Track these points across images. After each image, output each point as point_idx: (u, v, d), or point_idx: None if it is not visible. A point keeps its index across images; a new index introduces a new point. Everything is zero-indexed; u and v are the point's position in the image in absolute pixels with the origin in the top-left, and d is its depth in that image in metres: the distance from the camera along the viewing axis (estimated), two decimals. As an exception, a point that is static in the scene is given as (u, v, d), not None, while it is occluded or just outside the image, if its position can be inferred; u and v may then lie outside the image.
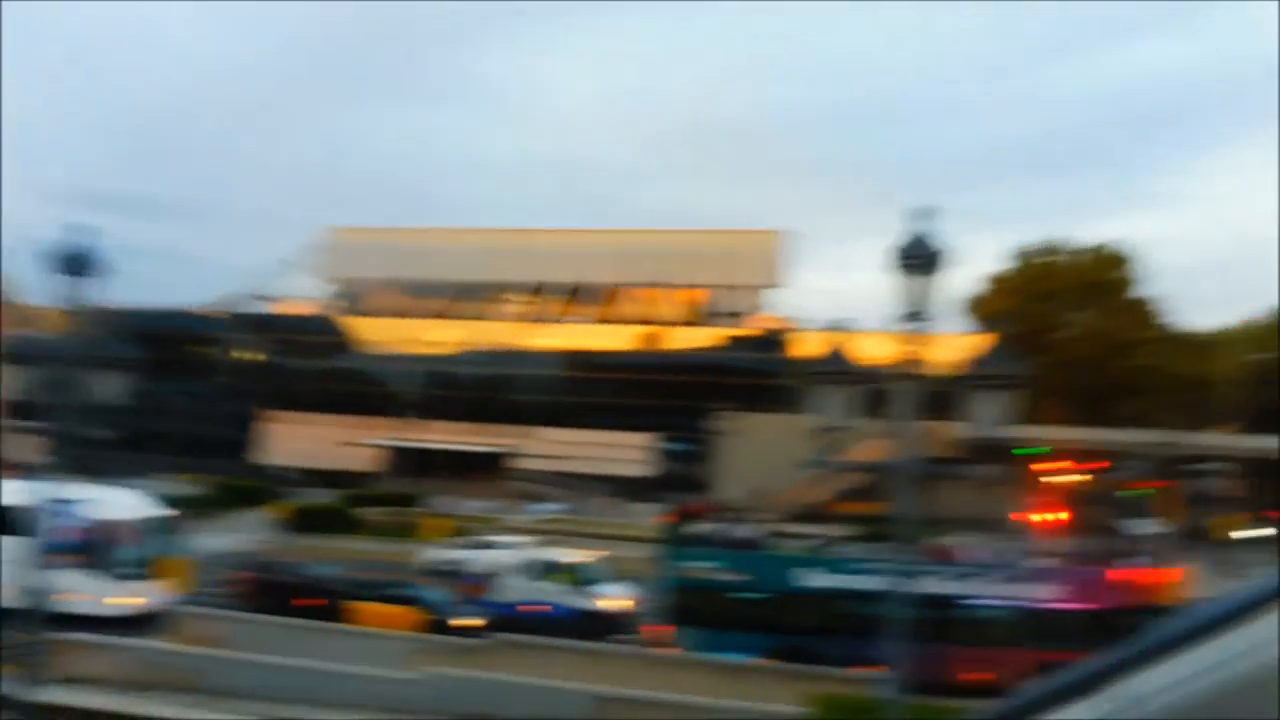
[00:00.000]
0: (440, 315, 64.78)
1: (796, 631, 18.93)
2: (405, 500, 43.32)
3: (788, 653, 17.87)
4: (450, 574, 27.89)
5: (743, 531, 25.24)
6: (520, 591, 24.38)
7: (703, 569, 20.33)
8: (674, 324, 62.20)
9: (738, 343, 60.41)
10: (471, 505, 44.66)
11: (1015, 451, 48.04)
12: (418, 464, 54.79)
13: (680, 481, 50.88)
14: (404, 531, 36.61)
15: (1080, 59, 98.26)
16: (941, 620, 18.02)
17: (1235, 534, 41.29)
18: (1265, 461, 46.85)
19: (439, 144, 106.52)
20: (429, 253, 64.69)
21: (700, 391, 56.08)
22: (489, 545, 31.46)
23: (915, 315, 11.34)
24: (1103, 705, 1.47)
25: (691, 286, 63.10)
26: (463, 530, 35.82)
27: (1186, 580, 21.70)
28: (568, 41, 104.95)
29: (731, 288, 62.28)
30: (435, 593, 22.84)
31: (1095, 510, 43.69)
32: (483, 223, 69.94)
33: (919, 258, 11.33)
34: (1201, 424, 47.17)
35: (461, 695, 14.22)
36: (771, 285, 62.55)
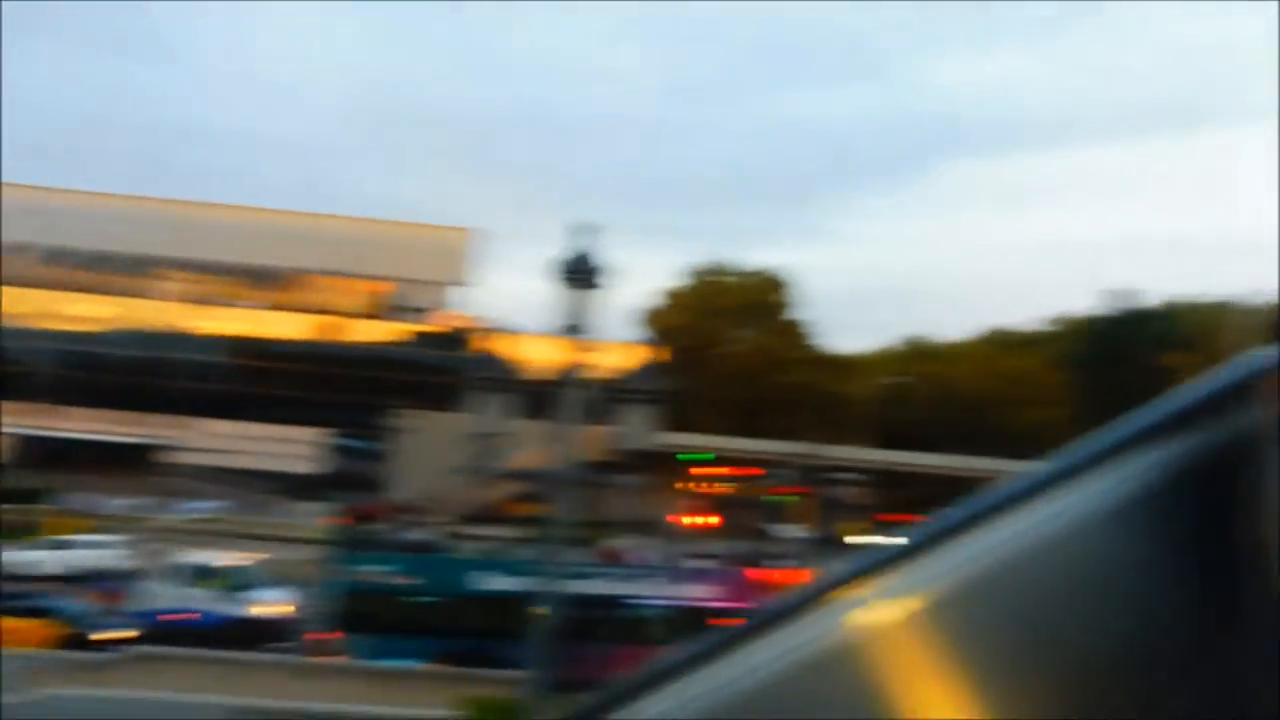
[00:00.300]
0: (87, 288, 58.38)
1: (471, 634, 18.95)
2: (29, 496, 38.52)
3: (461, 656, 17.84)
4: (81, 578, 25.25)
5: (418, 534, 24.86)
6: (166, 599, 22.49)
7: (375, 572, 19.84)
8: (354, 315, 60.10)
9: (421, 339, 59.40)
10: (115, 503, 40.60)
11: (680, 457, 50.86)
12: (50, 455, 48.95)
13: (353, 481, 49.17)
14: (24, 532, 32.53)
15: (758, 97, 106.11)
16: (609, 620, 18.76)
17: (857, 538, 46.09)
18: (891, 473, 52.91)
19: (122, 101, 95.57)
20: (76, 217, 58.03)
21: (378, 387, 54.56)
22: (65, 545, 28.67)
23: (575, 327, 11.79)
24: (678, 696, 1.63)
25: (375, 278, 61.28)
26: (103, 530, 32.51)
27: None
28: (272, 9, 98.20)
29: (417, 282, 61.14)
30: (74, 603, 20.55)
31: (747, 514, 47.27)
32: (166, 192, 63.31)
33: (581, 272, 11.80)
34: (840, 438, 52.35)
35: (76, 716, 12.93)
36: (459, 283, 62.12)
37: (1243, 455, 1.72)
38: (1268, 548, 1.70)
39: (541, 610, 13.61)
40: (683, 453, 51.44)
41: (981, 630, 1.59)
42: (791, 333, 61.08)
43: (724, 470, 52.83)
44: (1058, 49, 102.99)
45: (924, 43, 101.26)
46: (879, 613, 1.61)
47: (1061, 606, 1.60)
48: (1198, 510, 1.69)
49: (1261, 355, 1.79)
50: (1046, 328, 63.30)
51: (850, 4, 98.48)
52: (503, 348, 56.33)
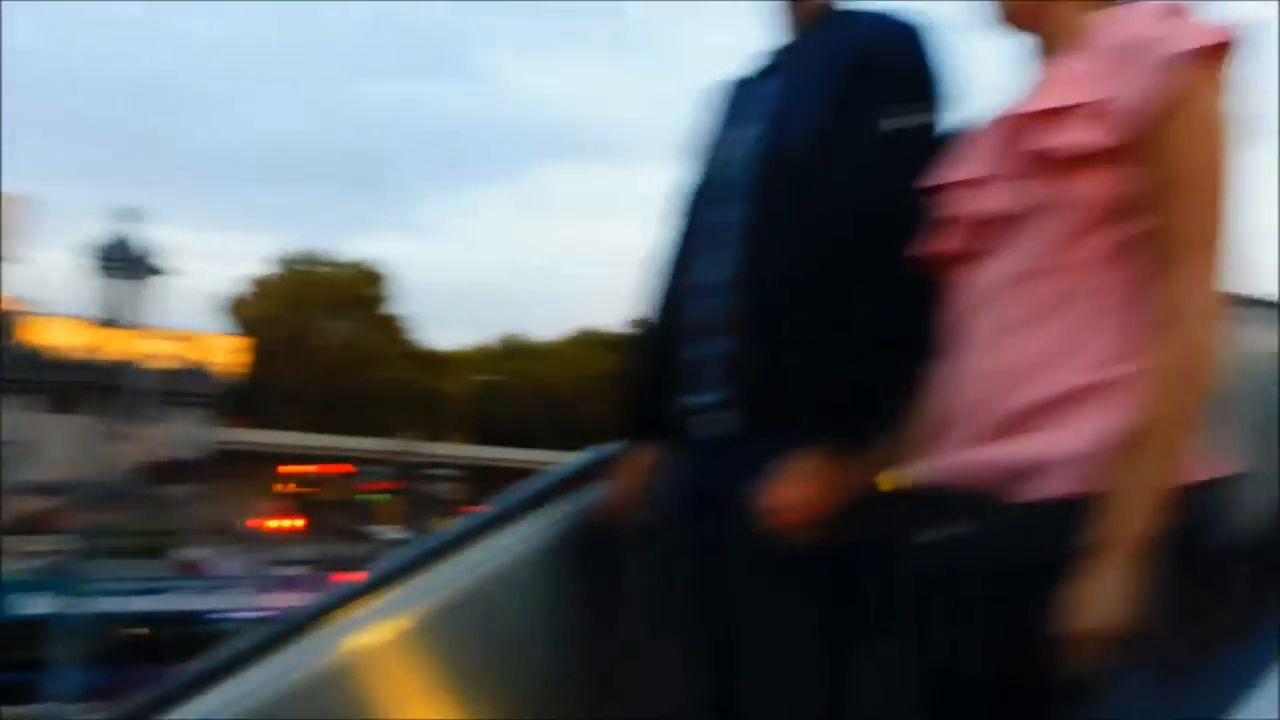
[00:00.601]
0: None
1: (8, 668, 16.25)
2: None
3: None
4: None
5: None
6: None
7: None
8: None
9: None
10: None
11: (263, 456, 47.80)
12: None
13: None
14: None
15: (354, 83, 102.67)
16: (186, 638, 16.97)
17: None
18: (484, 468, 53.60)
19: None
20: None
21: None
22: None
23: (121, 317, 10.95)
24: (206, 705, 1.60)
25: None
26: None
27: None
28: None
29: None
30: None
31: (337, 515, 45.49)
32: None
33: (122, 259, 10.92)
34: (436, 434, 52.19)
35: None
36: (-4, 258, 53.46)
37: (598, 526, 2.06)
38: (628, 603, 2.01)
39: (92, 632, 11.94)
40: (266, 451, 48.44)
41: (456, 650, 1.77)
42: (387, 327, 59.92)
43: (313, 469, 50.59)
44: (652, 65, 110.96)
45: (524, 47, 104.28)
46: (369, 633, 1.73)
47: (512, 632, 1.86)
48: (580, 563, 2.01)
49: (605, 449, 2.16)
50: (629, 330, 67.72)
51: (451, 4, 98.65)
52: (48, 336, 49.48)
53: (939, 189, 1.50)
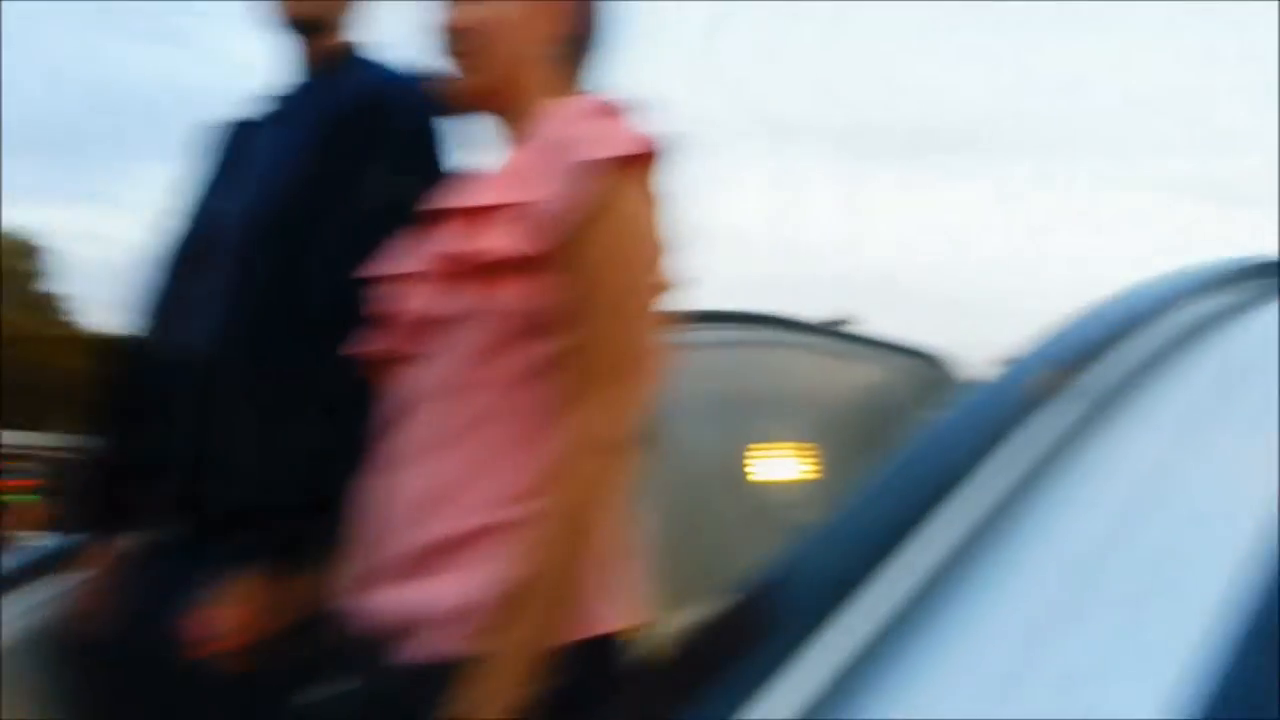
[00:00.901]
0: None
1: None
2: None
3: None
4: None
5: None
6: None
7: None
8: None
9: None
10: None
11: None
12: None
13: None
14: None
15: (29, 35, 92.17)
16: None
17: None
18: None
19: None
20: None
21: None
22: None
23: None
24: None
25: None
26: None
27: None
28: None
29: None
30: None
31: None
32: None
33: None
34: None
35: None
36: None
37: (66, 623, 1.91)
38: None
39: None
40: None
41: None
42: (44, 307, 55.26)
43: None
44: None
45: (231, 8, 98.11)
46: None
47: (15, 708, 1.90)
48: (57, 655, 1.89)
49: (65, 538, 2.04)
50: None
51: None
52: None
53: (382, 279, 1.34)
